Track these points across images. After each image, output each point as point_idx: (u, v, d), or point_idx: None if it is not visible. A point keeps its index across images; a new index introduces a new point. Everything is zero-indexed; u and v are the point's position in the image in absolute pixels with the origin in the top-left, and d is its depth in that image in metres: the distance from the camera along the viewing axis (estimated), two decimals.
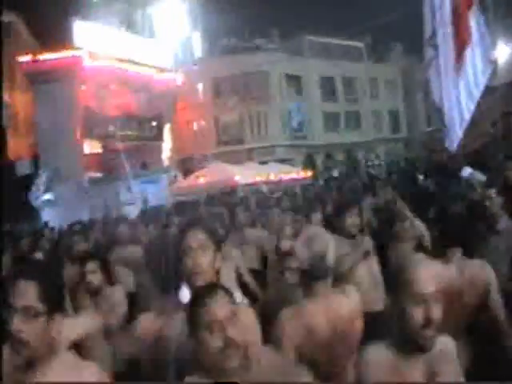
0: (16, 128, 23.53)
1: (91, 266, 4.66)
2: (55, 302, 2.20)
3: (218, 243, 2.86)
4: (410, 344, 2.20)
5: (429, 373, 2.22)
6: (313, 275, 3.11)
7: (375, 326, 4.67)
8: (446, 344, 2.32)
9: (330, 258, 3.12)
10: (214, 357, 2.15)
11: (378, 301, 4.83)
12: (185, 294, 2.77)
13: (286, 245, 4.79)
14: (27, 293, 2.12)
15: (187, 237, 2.69)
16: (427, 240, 5.45)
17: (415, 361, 2.22)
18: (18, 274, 2.23)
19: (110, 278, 4.93)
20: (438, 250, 3.64)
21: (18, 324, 2.07)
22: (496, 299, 3.52)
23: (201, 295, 2.27)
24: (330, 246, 3.16)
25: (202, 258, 2.65)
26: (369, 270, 4.97)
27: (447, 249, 3.58)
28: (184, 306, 2.65)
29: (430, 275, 2.22)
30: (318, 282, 3.11)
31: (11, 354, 2.13)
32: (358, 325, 3.08)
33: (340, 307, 3.06)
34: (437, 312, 2.16)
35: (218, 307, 2.20)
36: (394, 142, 47.31)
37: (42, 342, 2.13)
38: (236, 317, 2.22)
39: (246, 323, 2.50)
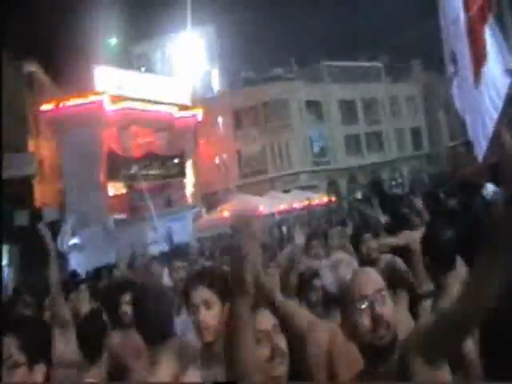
0: (42, 175, 23.89)
1: (125, 297, 4.65)
2: (38, 353, 2.29)
3: (226, 295, 2.80)
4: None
5: None
6: (336, 301, 2.94)
7: None
8: None
9: None
10: (264, 367, 2.21)
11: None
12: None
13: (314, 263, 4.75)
14: (8, 345, 2.23)
15: (191, 293, 2.67)
16: None
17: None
18: (2, 330, 2.34)
19: None
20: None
21: (2, 375, 2.18)
22: None
23: None
24: None
25: (207, 314, 2.61)
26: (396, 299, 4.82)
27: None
28: None
29: (368, 278, 2.17)
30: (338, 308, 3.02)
31: None
32: None
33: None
34: (384, 310, 2.08)
35: (264, 319, 2.35)
36: (418, 159, 46.85)
37: None
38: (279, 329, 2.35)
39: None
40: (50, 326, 4.33)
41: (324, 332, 2.96)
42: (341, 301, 2.95)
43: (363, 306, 2.09)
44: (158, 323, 2.93)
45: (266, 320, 2.32)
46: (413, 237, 5.57)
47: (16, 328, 2.33)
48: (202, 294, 2.65)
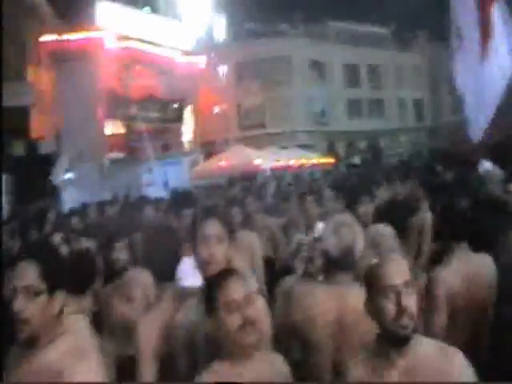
0: (40, 107, 23.69)
1: (119, 243, 4.65)
2: (57, 281, 2.29)
3: (232, 232, 2.88)
4: (388, 340, 2.20)
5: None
6: (338, 266, 3.06)
7: None
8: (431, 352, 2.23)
9: (358, 250, 3.06)
10: (234, 335, 2.27)
11: None
12: (189, 281, 2.85)
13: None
14: (27, 272, 2.22)
15: (204, 226, 2.71)
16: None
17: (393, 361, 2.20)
18: (19, 255, 2.36)
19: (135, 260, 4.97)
20: (443, 244, 3.60)
21: (19, 303, 2.17)
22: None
23: (217, 279, 2.37)
24: (359, 237, 3.11)
25: (218, 248, 2.67)
26: None
27: (452, 242, 3.53)
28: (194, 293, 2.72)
29: (398, 268, 2.23)
30: (341, 273, 3.07)
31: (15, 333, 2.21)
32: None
33: (355, 301, 2.94)
34: (409, 301, 2.17)
35: (235, 289, 2.30)
36: (418, 130, 46.81)
37: (43, 319, 2.22)
38: (251, 298, 2.34)
39: (259, 307, 2.62)
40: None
41: (330, 300, 3.00)
42: (343, 265, 3.07)
43: (390, 296, 2.18)
44: (168, 260, 2.98)
45: (238, 289, 2.31)
46: (422, 216, 5.67)
47: (36, 255, 2.29)
48: (215, 227, 2.69)
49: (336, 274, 3.08)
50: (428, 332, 3.07)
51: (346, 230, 3.07)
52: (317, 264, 3.81)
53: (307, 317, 3.02)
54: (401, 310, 2.14)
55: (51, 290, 2.25)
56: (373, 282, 2.24)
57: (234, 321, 2.26)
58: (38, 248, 2.67)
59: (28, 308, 2.18)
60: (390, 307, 2.16)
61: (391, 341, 2.19)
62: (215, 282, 2.36)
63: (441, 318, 3.26)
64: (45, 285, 2.22)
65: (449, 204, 3.81)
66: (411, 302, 2.18)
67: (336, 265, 3.06)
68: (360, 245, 3.08)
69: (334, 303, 3.00)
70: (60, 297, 2.30)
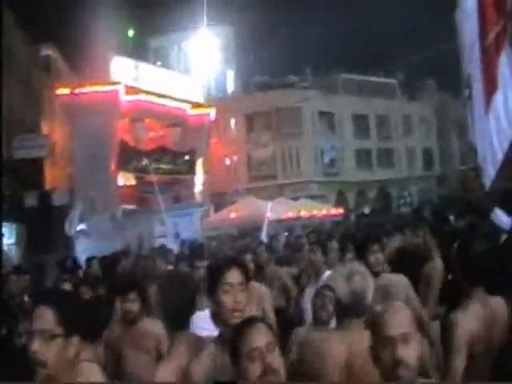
0: (53, 159, 24.08)
1: (132, 295, 4.60)
2: (74, 326, 2.37)
3: (248, 281, 2.91)
4: None
5: None
6: (349, 312, 3.13)
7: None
8: None
9: (369, 296, 3.14)
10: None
11: None
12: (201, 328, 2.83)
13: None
14: (45, 317, 2.32)
15: (228, 274, 2.70)
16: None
17: None
18: (38, 301, 2.47)
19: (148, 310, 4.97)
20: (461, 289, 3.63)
21: (35, 346, 2.27)
22: None
23: (241, 327, 2.36)
24: (370, 284, 3.19)
25: (242, 296, 2.67)
26: None
27: (469, 287, 3.55)
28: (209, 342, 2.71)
29: (399, 318, 2.26)
30: (352, 319, 3.12)
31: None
32: None
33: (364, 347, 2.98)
34: (406, 353, 2.18)
35: (258, 336, 2.27)
36: (428, 179, 46.94)
37: (58, 363, 2.31)
38: (274, 345, 2.29)
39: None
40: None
41: (339, 345, 3.05)
42: (355, 312, 3.12)
43: (388, 346, 2.20)
44: (183, 308, 3.01)
45: (261, 337, 2.27)
46: (433, 265, 5.68)
47: (53, 301, 2.39)
48: (238, 275, 2.70)
49: (347, 321, 3.16)
50: (448, 375, 3.16)
51: (358, 278, 3.16)
52: (329, 310, 4.06)
53: (321, 364, 3.06)
54: (396, 361, 2.15)
55: (67, 335, 2.33)
56: (374, 330, 2.28)
57: (255, 369, 2.21)
58: (56, 294, 2.78)
59: (44, 351, 2.27)
60: (387, 357, 2.18)
61: None
62: (240, 331, 2.35)
63: (460, 361, 3.26)
64: (61, 329, 2.31)
65: (466, 249, 3.83)
66: (409, 353, 2.17)
67: (347, 311, 3.14)
68: (370, 293, 3.16)
69: (344, 348, 3.03)
70: (75, 342, 2.37)
